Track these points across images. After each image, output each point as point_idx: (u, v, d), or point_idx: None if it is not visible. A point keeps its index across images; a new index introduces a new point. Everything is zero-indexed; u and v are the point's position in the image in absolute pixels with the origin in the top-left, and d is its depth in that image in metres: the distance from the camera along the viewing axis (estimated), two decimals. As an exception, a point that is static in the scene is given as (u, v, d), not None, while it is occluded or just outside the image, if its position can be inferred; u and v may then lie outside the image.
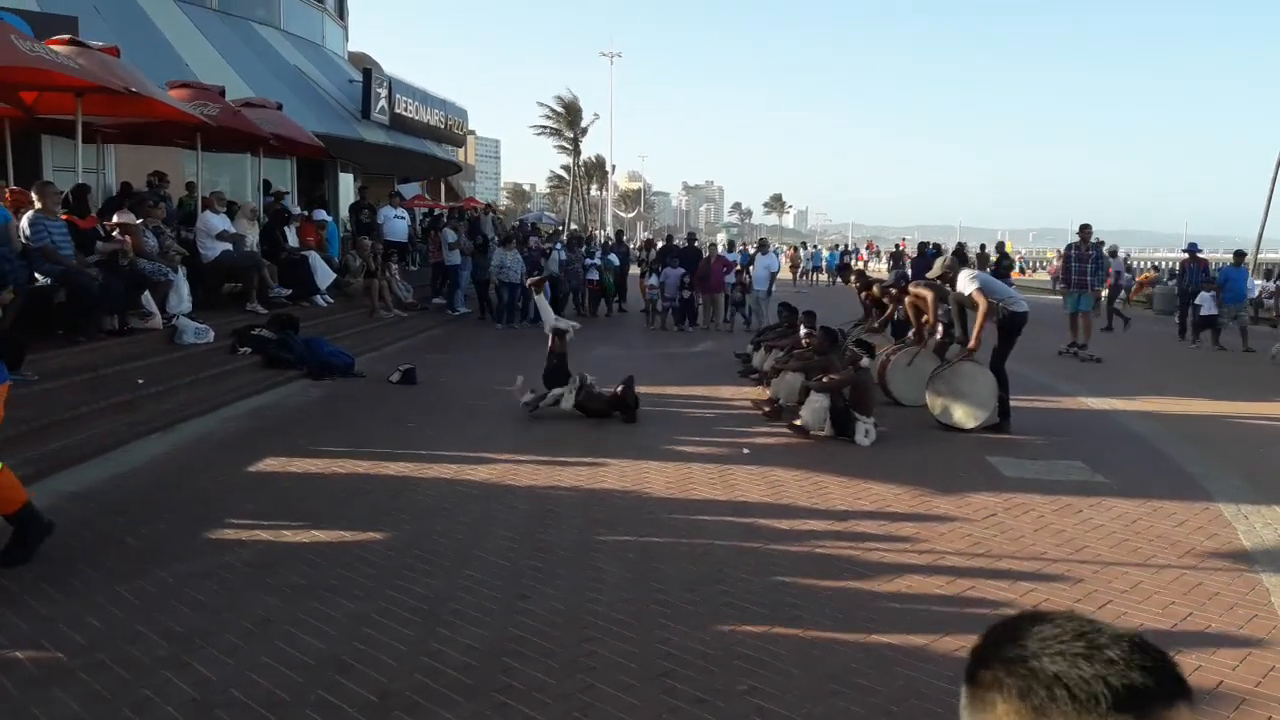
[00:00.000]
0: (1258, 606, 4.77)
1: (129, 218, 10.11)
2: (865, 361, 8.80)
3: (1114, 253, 22.71)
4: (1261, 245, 29.76)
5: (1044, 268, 42.97)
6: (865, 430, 8.25)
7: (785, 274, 20.41)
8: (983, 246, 21.72)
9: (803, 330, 10.70)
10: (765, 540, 5.65)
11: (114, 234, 9.80)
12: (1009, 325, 9.09)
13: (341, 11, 26.09)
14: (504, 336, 16.61)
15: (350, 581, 4.83)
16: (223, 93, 13.44)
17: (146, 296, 9.79)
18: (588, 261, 20.02)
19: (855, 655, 4.09)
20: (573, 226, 44.31)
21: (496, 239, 18.30)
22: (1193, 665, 4.05)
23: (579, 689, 3.73)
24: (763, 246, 20.07)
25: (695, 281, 18.43)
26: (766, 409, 9.38)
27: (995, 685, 0.91)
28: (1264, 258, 31.02)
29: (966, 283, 9.12)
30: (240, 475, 6.96)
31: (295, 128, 14.82)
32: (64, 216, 9.24)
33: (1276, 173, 25.07)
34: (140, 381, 8.62)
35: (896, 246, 34.31)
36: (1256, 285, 23.52)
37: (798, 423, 8.50)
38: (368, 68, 23.19)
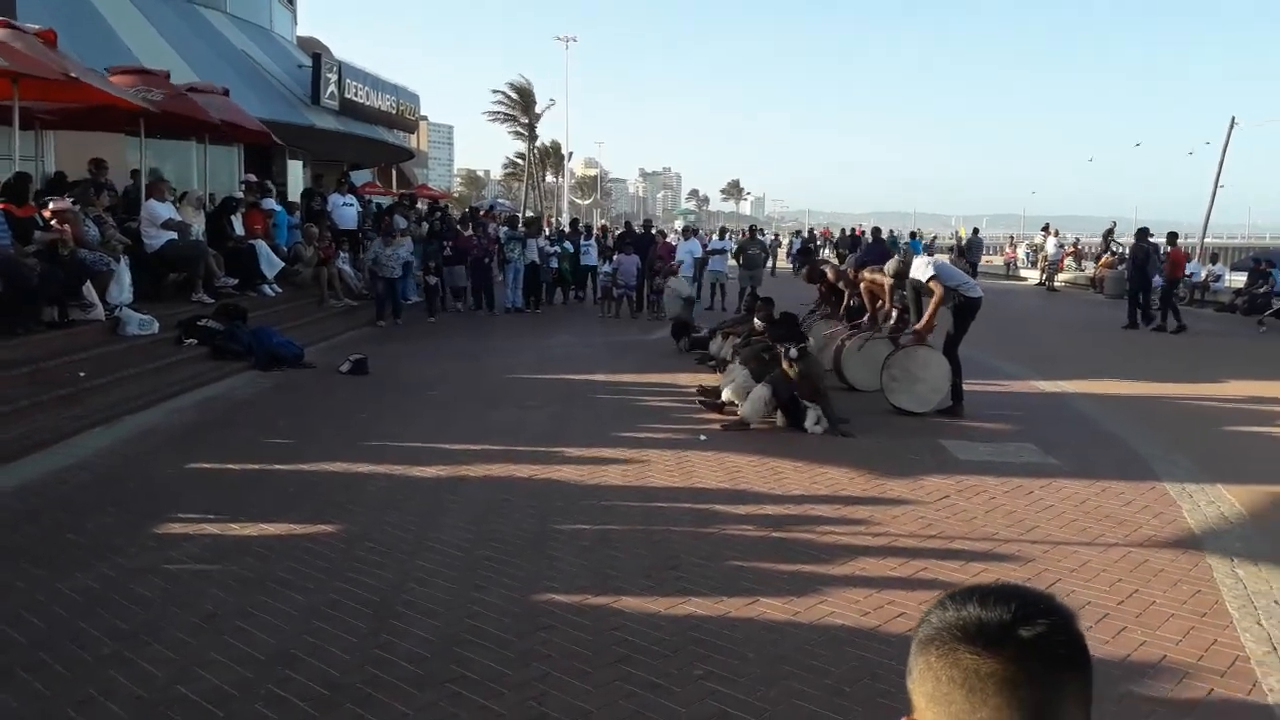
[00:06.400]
0: (1200, 582, 4.87)
1: (65, 205, 9.81)
2: (792, 353, 8.35)
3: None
4: (1208, 230, 30.55)
5: (998, 252, 43.74)
6: (816, 418, 8.21)
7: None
8: (890, 231, 25.55)
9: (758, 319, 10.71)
10: (721, 525, 5.66)
11: (52, 223, 9.52)
12: (964, 310, 9.19)
13: (290, -5, 25.59)
14: (452, 325, 16.45)
15: (300, 574, 4.75)
16: (167, 77, 13.11)
17: (88, 287, 9.51)
18: (549, 249, 19.97)
19: (810, 637, 4.12)
20: (529, 213, 43.90)
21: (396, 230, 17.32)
22: (1138, 640, 4.13)
23: (534, 677, 3.71)
24: (686, 233, 21.02)
25: (649, 268, 18.53)
26: (703, 399, 9.22)
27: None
28: (1210, 242, 31.72)
29: (922, 269, 9.21)
30: (186, 468, 6.81)
31: (242, 113, 14.51)
32: (1, 206, 8.97)
33: (1222, 158, 25.62)
34: (82, 374, 8.40)
35: (809, 233, 36.26)
36: (1203, 270, 24.05)
37: (735, 416, 8.41)
38: (317, 52, 22.78)
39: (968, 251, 30.38)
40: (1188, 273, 23.57)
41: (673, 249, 19.73)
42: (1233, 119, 29.76)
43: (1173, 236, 19.00)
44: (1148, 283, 18.28)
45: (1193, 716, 3.54)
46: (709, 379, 10.58)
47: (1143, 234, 18.85)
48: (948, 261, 13.68)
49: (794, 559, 5.11)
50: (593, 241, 20.89)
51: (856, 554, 5.20)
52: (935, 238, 46.79)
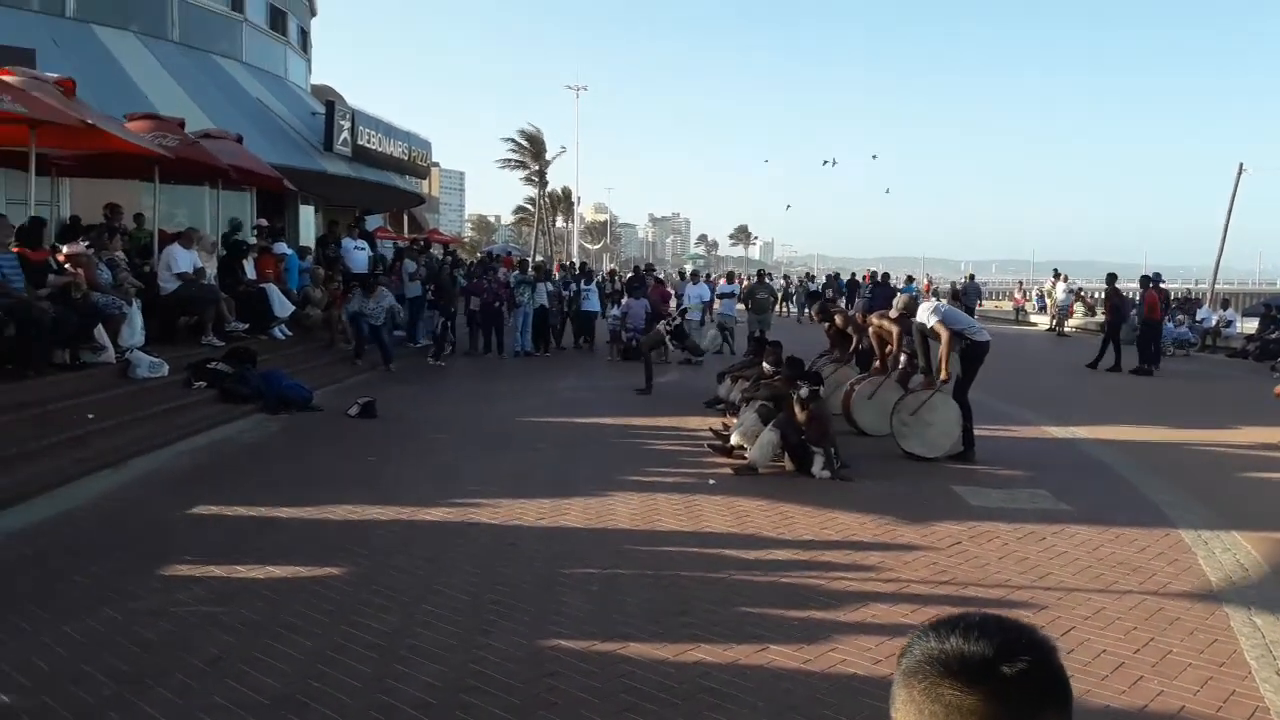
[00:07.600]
0: (1217, 631, 4.79)
1: (79, 249, 9.92)
2: (805, 392, 8.40)
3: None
4: (1219, 276, 30.59)
5: (1006, 298, 43.91)
6: (822, 463, 8.10)
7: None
8: (850, 274, 26.52)
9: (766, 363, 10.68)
10: (731, 570, 5.60)
11: (66, 266, 9.61)
12: (971, 355, 9.16)
13: (304, 44, 26.08)
14: (461, 369, 16.48)
15: (306, 618, 4.71)
16: (182, 124, 13.32)
17: (99, 330, 9.58)
18: (573, 290, 20.18)
19: (821, 686, 4.05)
20: (538, 258, 44.21)
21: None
22: (1155, 690, 4.05)
23: (540, 726, 3.65)
24: (694, 277, 22.44)
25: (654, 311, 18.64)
26: (716, 444, 9.24)
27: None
28: (1221, 288, 31.76)
29: (928, 314, 9.21)
30: (193, 511, 6.78)
31: (254, 159, 14.70)
32: (15, 249, 9.07)
33: (1231, 204, 25.70)
34: (91, 416, 8.42)
35: (805, 277, 38.08)
36: (1214, 316, 24.03)
37: (744, 460, 8.37)
38: (331, 100, 23.16)
39: (964, 296, 30.53)
40: (1199, 318, 23.59)
41: (668, 294, 19.95)
42: (1240, 165, 29.93)
43: (1145, 280, 19.12)
44: (1122, 326, 18.46)
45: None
46: (718, 423, 10.55)
47: (1112, 278, 19.00)
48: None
49: (804, 605, 5.05)
50: (594, 286, 20.68)
51: (868, 600, 5.13)
52: (946, 284, 47.07)
